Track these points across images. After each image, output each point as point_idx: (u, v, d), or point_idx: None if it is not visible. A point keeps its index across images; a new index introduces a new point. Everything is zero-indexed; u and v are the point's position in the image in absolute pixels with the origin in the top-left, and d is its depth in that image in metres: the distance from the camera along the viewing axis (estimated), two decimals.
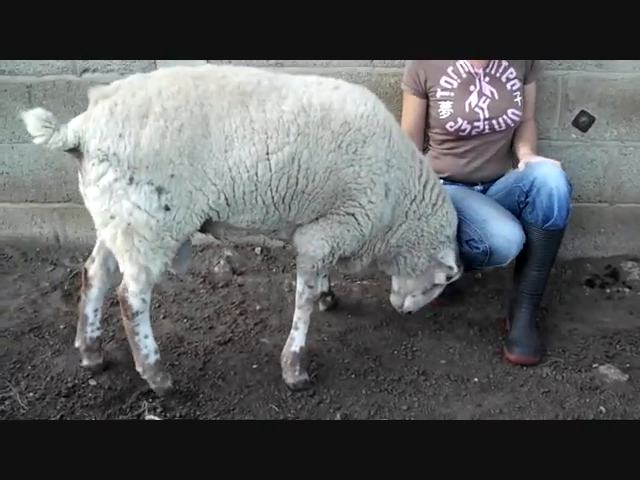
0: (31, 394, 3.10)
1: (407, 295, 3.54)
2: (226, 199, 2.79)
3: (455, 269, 3.35)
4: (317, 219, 3.05)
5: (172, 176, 2.65)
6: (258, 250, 4.41)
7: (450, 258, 3.33)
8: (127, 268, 2.82)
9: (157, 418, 2.73)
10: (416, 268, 3.38)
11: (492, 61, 3.56)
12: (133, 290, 2.85)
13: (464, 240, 3.39)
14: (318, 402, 3.12)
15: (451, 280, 3.46)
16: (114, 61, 4.09)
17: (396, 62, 3.99)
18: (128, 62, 4.09)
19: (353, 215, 3.01)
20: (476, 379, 3.31)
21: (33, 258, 4.38)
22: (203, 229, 2.96)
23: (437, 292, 3.57)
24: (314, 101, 2.84)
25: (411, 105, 3.70)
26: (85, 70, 4.13)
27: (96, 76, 4.12)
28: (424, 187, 3.20)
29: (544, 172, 3.31)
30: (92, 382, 3.17)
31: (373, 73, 4.07)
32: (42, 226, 4.49)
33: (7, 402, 3.03)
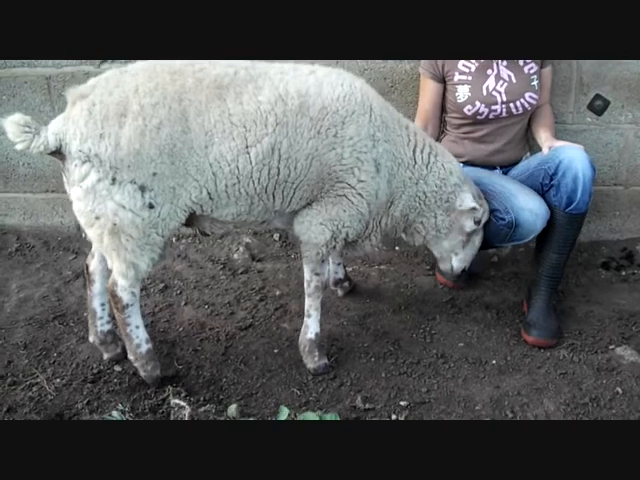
0: (58, 380, 3.18)
1: (450, 257, 3.51)
2: (209, 193, 2.82)
3: (479, 208, 3.29)
4: (310, 204, 3.06)
5: (154, 174, 2.67)
6: (277, 236, 4.47)
7: (468, 200, 3.27)
8: (115, 265, 2.87)
9: (183, 403, 2.78)
10: (440, 227, 3.35)
11: None
12: (122, 284, 2.90)
13: (490, 211, 3.39)
14: (339, 385, 3.18)
15: (482, 222, 3.37)
16: None
17: None
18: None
19: (345, 196, 3.01)
20: (494, 361, 3.36)
21: (55, 247, 4.47)
22: (189, 223, 2.99)
23: (478, 240, 3.48)
24: (291, 89, 2.84)
25: (428, 89, 3.73)
26: (104, 61, 4.17)
27: (115, 66, 4.13)
28: (414, 151, 3.18)
29: (570, 155, 3.34)
30: (117, 368, 3.24)
31: (388, 60, 4.08)
32: (63, 216, 4.57)
33: (35, 388, 3.12)
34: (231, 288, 4.02)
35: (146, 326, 3.45)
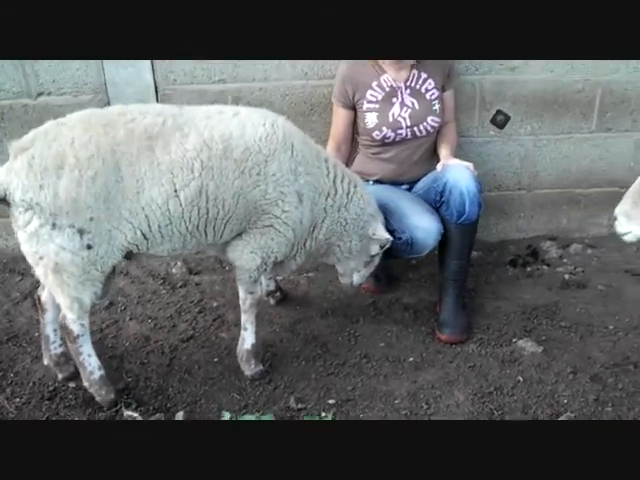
0: (17, 399, 3.44)
1: (352, 273, 3.88)
2: (143, 234, 3.04)
3: (388, 238, 3.60)
4: (240, 235, 3.33)
5: (91, 219, 2.90)
6: None
7: (381, 231, 3.60)
8: (61, 300, 3.11)
9: (135, 414, 3.10)
10: (352, 250, 3.68)
11: (412, 74, 3.96)
12: (71, 317, 3.15)
13: (388, 230, 3.73)
14: (274, 388, 3.53)
15: (384, 248, 3.69)
16: (67, 84, 4.38)
17: (328, 74, 4.38)
18: (80, 84, 4.39)
19: (271, 226, 3.27)
20: (411, 358, 3.74)
21: (1, 269, 4.68)
22: (128, 257, 3.22)
23: (377, 260, 3.84)
24: (215, 134, 3.06)
25: (340, 116, 4.10)
26: (40, 94, 4.42)
27: (50, 99, 4.42)
28: (334, 181, 3.44)
29: (455, 175, 3.73)
30: (72, 384, 3.50)
31: (307, 86, 4.46)
32: (7, 238, 4.77)
33: None
34: (171, 302, 4.32)
35: (94, 343, 3.72)
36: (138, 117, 3.01)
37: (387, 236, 3.60)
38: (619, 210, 3.07)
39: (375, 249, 3.68)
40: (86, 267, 3.00)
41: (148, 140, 2.96)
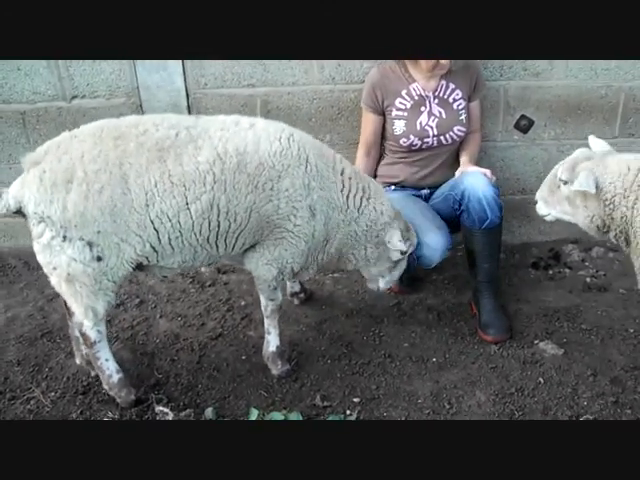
0: (52, 393, 3.57)
1: (378, 279, 3.90)
2: (152, 247, 3.08)
3: (403, 247, 3.57)
4: (254, 247, 3.37)
5: (99, 232, 2.96)
6: None
7: (395, 239, 3.56)
8: (75, 308, 3.21)
9: (166, 409, 3.21)
10: (370, 258, 3.67)
11: (441, 84, 4.06)
12: (87, 324, 3.24)
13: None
14: (300, 386, 3.63)
15: (408, 252, 3.69)
16: (100, 87, 4.52)
17: (355, 79, 4.48)
18: (113, 87, 4.52)
19: (284, 238, 3.30)
20: (434, 359, 3.83)
21: (35, 267, 4.75)
22: (140, 268, 3.29)
23: (403, 264, 3.85)
24: (229, 147, 3.06)
25: (370, 121, 4.19)
26: (74, 97, 4.56)
27: (84, 101, 4.56)
28: (347, 197, 3.43)
29: (472, 182, 3.82)
30: None
31: (335, 90, 4.54)
32: None
33: (32, 402, 3.50)
34: (200, 300, 4.44)
35: (126, 339, 3.88)
36: (151, 129, 3.04)
37: (400, 247, 3.58)
38: (538, 195, 3.50)
39: (396, 255, 3.68)
40: (97, 277, 3.07)
41: (159, 152, 2.99)
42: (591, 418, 3.32)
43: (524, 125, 4.69)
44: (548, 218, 3.51)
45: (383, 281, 3.88)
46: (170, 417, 3.18)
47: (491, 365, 3.75)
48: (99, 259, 3.02)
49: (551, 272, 4.73)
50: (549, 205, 3.45)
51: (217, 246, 3.24)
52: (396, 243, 3.57)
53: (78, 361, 3.69)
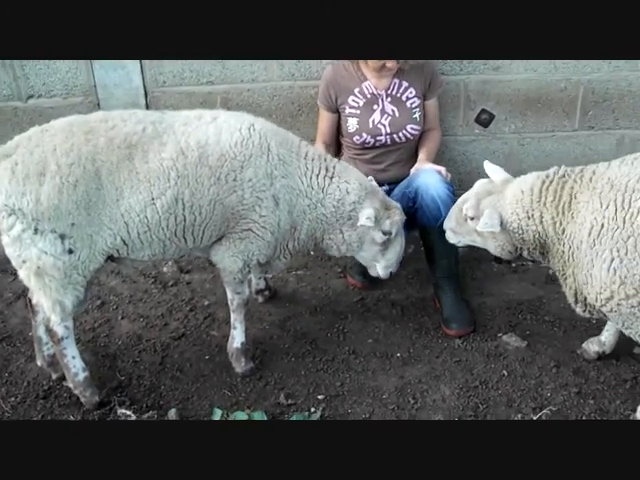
0: (12, 398, 3.52)
1: (374, 264, 3.79)
2: (122, 240, 3.14)
3: (370, 221, 3.44)
4: (220, 240, 3.39)
5: (72, 224, 2.99)
6: None
7: (363, 216, 3.46)
8: (43, 302, 3.19)
9: (128, 412, 3.17)
10: (350, 242, 3.59)
11: (393, 82, 4.06)
12: (55, 320, 3.22)
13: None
14: (264, 385, 3.61)
15: (393, 232, 3.58)
16: (57, 86, 4.44)
17: (315, 75, 4.45)
18: (70, 86, 4.45)
19: (250, 230, 3.32)
20: (399, 354, 3.83)
21: None
22: (112, 260, 3.31)
23: (399, 244, 3.71)
24: (191, 141, 3.12)
25: (325, 118, 4.22)
26: (30, 96, 4.48)
27: (40, 101, 4.49)
28: (310, 179, 3.42)
29: (425, 180, 3.85)
30: (65, 383, 3.54)
31: (295, 86, 4.52)
32: None
33: None
34: (163, 300, 4.40)
35: (88, 342, 3.83)
36: (119, 124, 3.09)
37: (365, 222, 3.44)
38: (446, 226, 3.58)
39: (379, 236, 3.58)
40: (67, 271, 3.07)
41: (127, 149, 3.05)
42: (554, 409, 3.35)
43: (485, 119, 4.71)
44: (459, 245, 3.64)
45: (380, 267, 3.78)
46: (133, 419, 3.13)
47: (455, 359, 3.76)
48: (70, 252, 3.03)
49: (514, 265, 4.75)
50: (458, 235, 3.55)
51: (185, 239, 3.27)
52: (363, 220, 3.47)
53: (39, 363, 3.63)
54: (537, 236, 3.18)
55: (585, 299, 3.15)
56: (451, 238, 3.59)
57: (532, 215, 3.14)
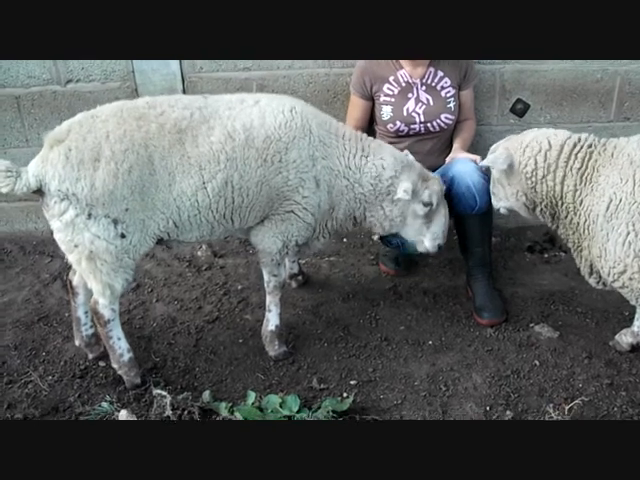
0: (50, 377, 3.58)
1: (421, 239, 3.73)
2: (174, 223, 3.21)
3: (407, 194, 3.45)
4: (263, 221, 3.46)
5: (126, 210, 3.05)
6: None
7: (400, 189, 3.48)
8: (93, 286, 3.24)
9: (163, 392, 3.21)
10: (392, 217, 3.61)
11: (428, 71, 4.07)
12: (102, 303, 3.28)
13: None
14: (297, 369, 3.65)
15: (434, 202, 3.57)
16: (95, 71, 4.51)
17: (350, 62, 4.43)
18: (108, 71, 4.51)
19: (292, 212, 3.40)
20: (430, 342, 3.84)
21: (31, 252, 4.83)
22: (158, 242, 3.35)
23: (443, 215, 3.70)
24: (237, 124, 3.19)
25: (356, 106, 4.24)
26: (69, 81, 4.54)
27: (79, 85, 4.55)
28: (347, 159, 3.47)
29: (460, 169, 3.84)
30: (101, 363, 3.64)
31: (331, 74, 4.55)
32: (36, 222, 4.92)
33: (30, 386, 3.51)
34: (197, 284, 4.45)
35: (123, 323, 3.85)
36: (167, 110, 3.15)
37: (401, 194, 3.47)
38: (491, 190, 3.63)
39: (420, 208, 3.58)
40: (119, 255, 3.13)
41: (178, 134, 3.11)
42: (586, 400, 3.34)
43: (520, 109, 4.69)
44: (500, 208, 3.62)
45: (427, 240, 3.72)
46: (168, 400, 3.18)
47: (487, 348, 3.77)
48: (123, 236, 3.09)
49: (546, 255, 4.76)
50: (494, 197, 3.60)
51: (232, 221, 3.35)
52: (400, 193, 3.48)
53: (77, 342, 3.69)
54: (552, 194, 3.22)
55: (599, 272, 3.21)
56: (494, 202, 3.62)
57: (554, 170, 3.17)
